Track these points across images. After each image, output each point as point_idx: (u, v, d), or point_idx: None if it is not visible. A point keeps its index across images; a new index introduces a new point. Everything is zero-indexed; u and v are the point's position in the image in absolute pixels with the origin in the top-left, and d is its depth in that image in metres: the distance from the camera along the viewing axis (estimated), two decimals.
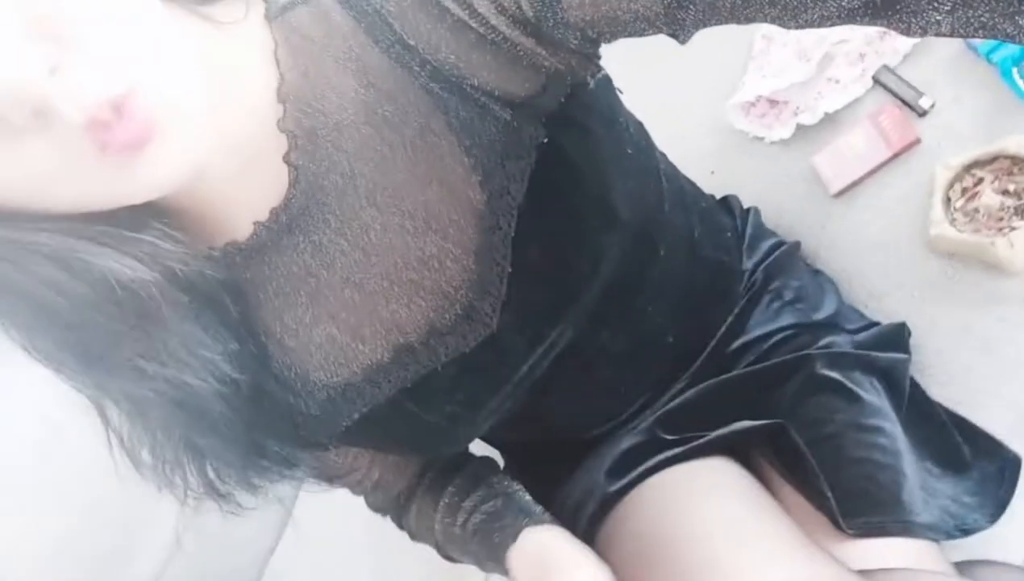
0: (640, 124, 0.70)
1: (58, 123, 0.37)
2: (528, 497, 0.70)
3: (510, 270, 0.55)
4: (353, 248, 0.54)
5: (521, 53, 0.50)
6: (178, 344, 0.49)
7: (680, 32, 0.49)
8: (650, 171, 0.66)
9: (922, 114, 0.96)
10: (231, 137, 0.48)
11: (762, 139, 1.10)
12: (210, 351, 0.50)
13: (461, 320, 0.56)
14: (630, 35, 0.50)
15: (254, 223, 0.52)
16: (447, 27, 0.49)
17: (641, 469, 0.70)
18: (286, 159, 0.51)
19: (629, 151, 0.62)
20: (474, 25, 0.48)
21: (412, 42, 0.49)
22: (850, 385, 0.75)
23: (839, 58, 1.04)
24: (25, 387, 1.12)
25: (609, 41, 0.52)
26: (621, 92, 0.64)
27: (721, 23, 0.47)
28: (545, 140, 0.53)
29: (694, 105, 1.21)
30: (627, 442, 0.73)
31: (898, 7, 0.40)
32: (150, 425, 0.52)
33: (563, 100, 0.53)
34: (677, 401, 0.75)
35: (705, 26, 0.48)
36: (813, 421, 0.73)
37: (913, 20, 0.41)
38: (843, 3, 0.41)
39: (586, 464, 0.75)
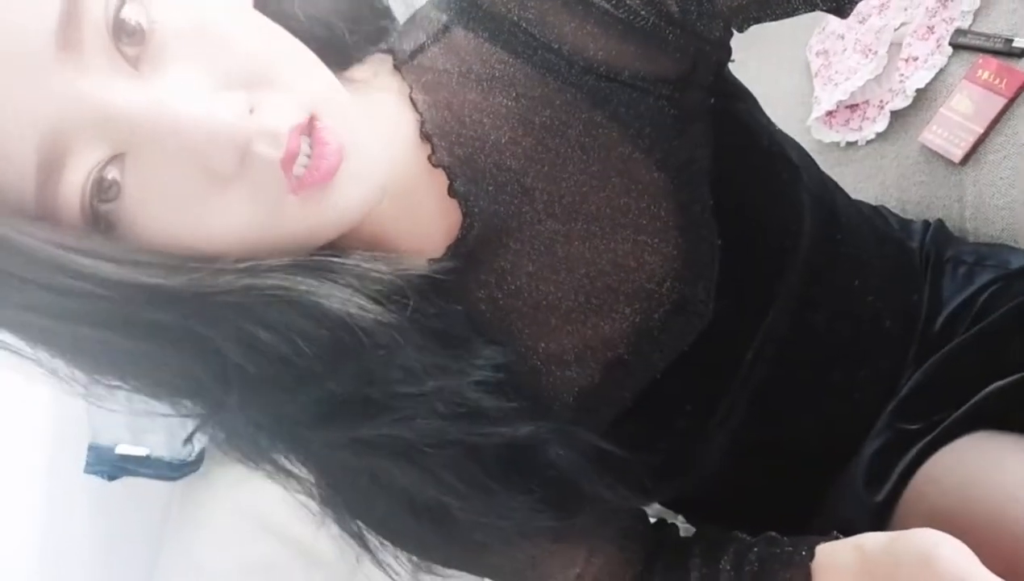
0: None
1: (258, 164, 0.38)
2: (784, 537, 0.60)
3: (719, 242, 0.50)
4: (540, 268, 0.50)
5: (670, 37, 0.48)
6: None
7: (848, 3, 0.48)
8: (796, 145, 0.64)
9: (1021, 55, 0.91)
10: (391, 186, 0.46)
11: (855, 143, 1.06)
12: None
13: (672, 316, 0.51)
14: (777, 17, 0.50)
15: (428, 261, 0.49)
16: (593, 23, 0.48)
17: (901, 468, 0.60)
18: (451, 192, 0.49)
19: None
20: (621, 15, 0.47)
21: (556, 46, 0.48)
22: None
23: (907, 39, 1.02)
24: None
25: (748, 27, 0.51)
26: None
27: None
28: (712, 100, 0.51)
29: None
30: (870, 447, 0.64)
31: None
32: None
33: (713, 76, 0.52)
34: (906, 389, 0.66)
35: None
36: None
37: None
38: None
39: (833, 492, 0.66)
